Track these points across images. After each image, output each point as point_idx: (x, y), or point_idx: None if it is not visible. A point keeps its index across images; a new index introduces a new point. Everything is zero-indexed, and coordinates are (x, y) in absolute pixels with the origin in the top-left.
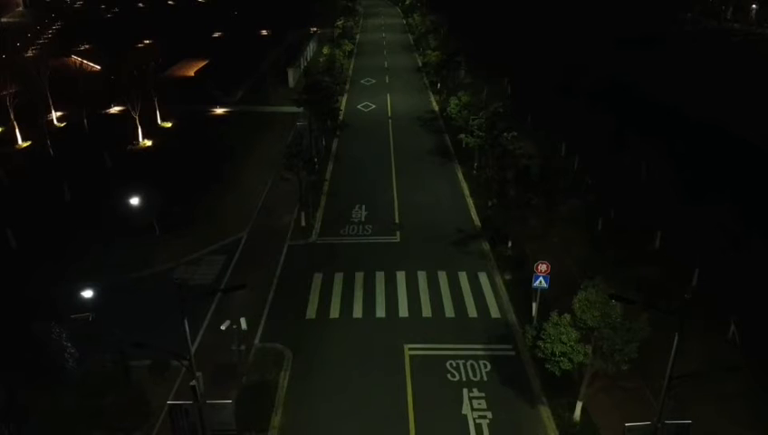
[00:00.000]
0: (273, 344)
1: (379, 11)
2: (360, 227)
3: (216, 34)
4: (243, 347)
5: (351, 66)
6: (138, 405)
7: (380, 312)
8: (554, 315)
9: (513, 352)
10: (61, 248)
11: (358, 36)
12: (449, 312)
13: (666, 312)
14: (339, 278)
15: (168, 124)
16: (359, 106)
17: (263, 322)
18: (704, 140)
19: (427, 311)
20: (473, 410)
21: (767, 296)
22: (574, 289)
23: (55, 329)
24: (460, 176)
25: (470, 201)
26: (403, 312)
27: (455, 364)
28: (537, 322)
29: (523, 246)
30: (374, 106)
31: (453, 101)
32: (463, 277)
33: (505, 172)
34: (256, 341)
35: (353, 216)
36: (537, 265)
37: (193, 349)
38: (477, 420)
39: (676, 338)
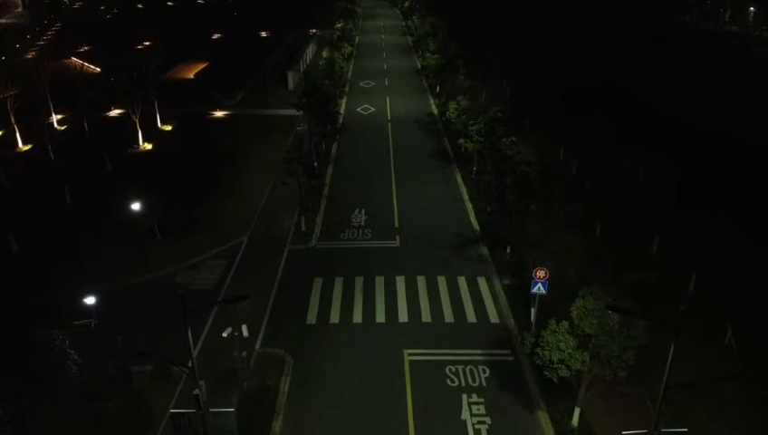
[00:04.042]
0: (273, 350)
1: (378, 12)
2: (360, 231)
3: (216, 36)
4: (244, 353)
5: (351, 68)
6: (140, 411)
7: (380, 317)
8: (552, 323)
9: (511, 358)
10: (62, 253)
11: (357, 38)
12: (448, 317)
13: (662, 322)
14: (339, 283)
15: (168, 127)
16: (358, 109)
17: (263, 327)
18: (703, 143)
19: (426, 316)
20: (472, 415)
21: (764, 301)
22: (573, 295)
23: (58, 335)
24: (459, 180)
25: (469, 206)
26: (403, 317)
27: (454, 369)
28: (535, 328)
29: (521, 251)
30: (373, 109)
31: (452, 105)
32: (462, 282)
33: (504, 178)
34: (257, 346)
35: (353, 220)
36: (536, 271)
37: (194, 355)
38: (476, 426)
39: (672, 348)
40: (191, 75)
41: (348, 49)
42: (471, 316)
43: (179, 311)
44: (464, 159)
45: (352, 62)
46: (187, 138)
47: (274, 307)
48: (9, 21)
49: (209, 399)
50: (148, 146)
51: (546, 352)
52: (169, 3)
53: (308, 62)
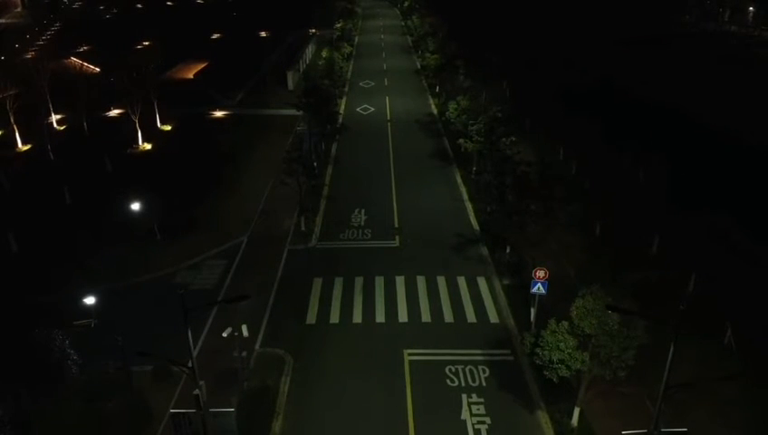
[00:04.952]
0: (273, 350)
1: (377, 12)
2: (360, 231)
3: (216, 36)
4: (244, 353)
5: (350, 68)
6: (140, 411)
7: (380, 317)
8: (552, 323)
9: (511, 358)
10: (62, 253)
11: (357, 38)
12: (448, 317)
13: (661, 322)
14: (338, 283)
15: (168, 127)
16: (358, 109)
17: (263, 327)
18: (702, 143)
19: (426, 316)
20: (472, 415)
21: (764, 301)
22: (573, 295)
23: (58, 335)
24: (459, 180)
25: (469, 205)
26: (402, 317)
27: (454, 369)
28: (535, 328)
29: (521, 251)
30: (373, 109)
31: (452, 105)
32: (462, 282)
33: (504, 178)
34: (257, 346)
35: (353, 220)
36: (535, 271)
37: (194, 355)
38: (476, 426)
39: (672, 348)
40: (191, 75)
41: (347, 49)
42: (471, 316)
43: (179, 311)
44: (463, 159)
45: (352, 62)
46: (187, 138)
47: (274, 307)
48: (9, 21)
49: (209, 399)
50: (148, 146)
51: (546, 352)
52: (169, 3)
53: (308, 62)
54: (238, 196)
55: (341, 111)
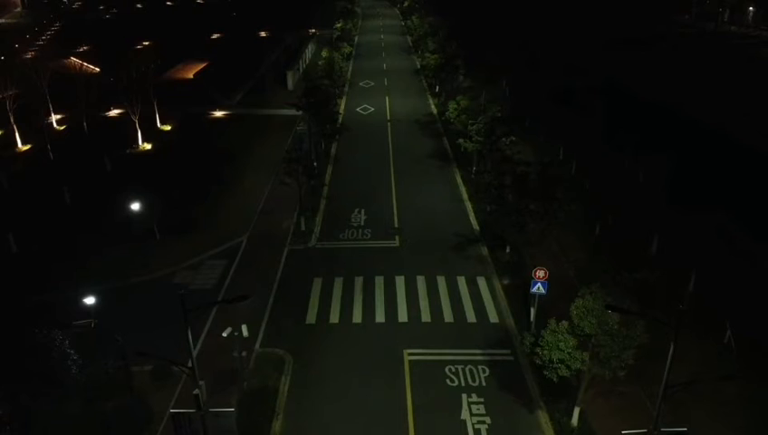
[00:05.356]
0: (273, 350)
1: (377, 12)
2: (360, 231)
3: (216, 36)
4: (244, 353)
5: (350, 68)
6: (140, 411)
7: (380, 317)
8: (552, 322)
9: (511, 357)
10: (61, 253)
11: (356, 38)
12: (448, 317)
13: (661, 322)
14: (338, 283)
15: (168, 127)
16: (357, 109)
17: (263, 327)
18: (702, 143)
19: (426, 316)
20: (472, 415)
21: (763, 300)
22: (573, 294)
23: (58, 335)
24: (459, 180)
25: (469, 205)
26: (402, 316)
27: (453, 369)
28: (535, 328)
29: (521, 251)
30: (373, 109)
31: (452, 105)
32: (462, 282)
33: (504, 178)
34: (257, 346)
35: (353, 220)
36: (535, 271)
37: (194, 355)
38: (476, 426)
39: (672, 348)
40: (191, 75)
41: (347, 49)
42: (471, 316)
43: (179, 311)
44: (463, 159)
45: (352, 61)
46: (187, 138)
47: (274, 307)
48: (9, 21)
49: (209, 399)
50: (148, 146)
51: (546, 352)
52: (169, 3)
53: (307, 62)
54: (238, 196)
55: (341, 111)
